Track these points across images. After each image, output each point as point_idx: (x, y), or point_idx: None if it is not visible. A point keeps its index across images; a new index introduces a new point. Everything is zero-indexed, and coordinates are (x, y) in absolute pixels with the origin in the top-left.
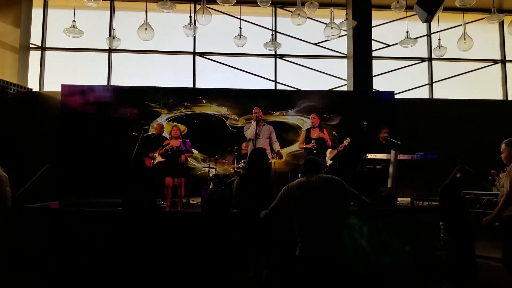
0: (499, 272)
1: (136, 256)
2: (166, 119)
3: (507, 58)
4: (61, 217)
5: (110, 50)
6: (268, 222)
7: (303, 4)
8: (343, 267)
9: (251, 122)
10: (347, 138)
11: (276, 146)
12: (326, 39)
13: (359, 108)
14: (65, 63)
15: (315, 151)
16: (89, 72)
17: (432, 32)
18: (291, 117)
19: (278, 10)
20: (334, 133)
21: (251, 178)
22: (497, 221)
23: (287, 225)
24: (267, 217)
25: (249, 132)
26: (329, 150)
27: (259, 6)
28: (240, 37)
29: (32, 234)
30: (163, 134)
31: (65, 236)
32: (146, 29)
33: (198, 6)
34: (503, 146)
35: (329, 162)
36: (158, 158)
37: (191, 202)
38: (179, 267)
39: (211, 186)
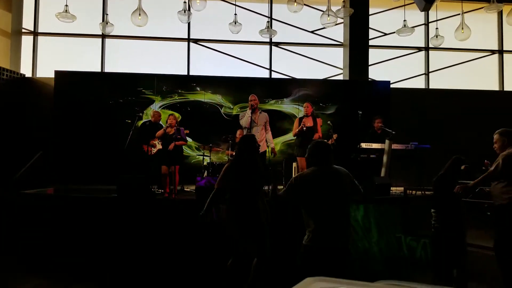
0: (490, 261)
1: (130, 241)
2: (160, 106)
3: (504, 49)
4: (56, 203)
5: (103, 36)
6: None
7: None
8: (345, 255)
9: (246, 110)
10: (335, 134)
11: (269, 137)
12: (322, 26)
13: (354, 98)
14: (58, 48)
15: (305, 128)
16: (83, 58)
17: (429, 21)
18: (286, 106)
19: None
20: (328, 122)
21: (242, 164)
22: (471, 192)
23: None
24: (274, 203)
25: (244, 120)
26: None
27: None
28: (235, 23)
29: (27, 219)
30: (160, 122)
31: (60, 221)
32: (139, 14)
33: None
34: (496, 136)
35: None
36: (158, 146)
37: (185, 189)
38: (172, 252)
39: (205, 174)
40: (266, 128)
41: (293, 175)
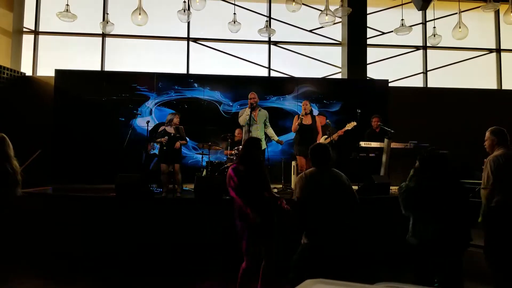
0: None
1: (129, 239)
2: (155, 104)
3: (502, 47)
4: (55, 202)
5: (103, 35)
6: (301, 214)
7: None
8: (345, 256)
9: (245, 108)
10: (354, 122)
11: (271, 131)
12: (320, 26)
13: (352, 96)
14: (58, 47)
15: (301, 117)
16: (83, 57)
17: (427, 20)
18: (288, 103)
19: None
20: (327, 121)
21: (248, 167)
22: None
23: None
24: (299, 210)
25: (243, 118)
26: (324, 137)
27: None
28: (234, 23)
29: (25, 218)
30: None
31: (59, 220)
32: (140, 14)
33: None
34: (487, 134)
35: None
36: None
37: (184, 188)
38: (171, 251)
39: (204, 173)
40: (266, 125)
41: (293, 174)
